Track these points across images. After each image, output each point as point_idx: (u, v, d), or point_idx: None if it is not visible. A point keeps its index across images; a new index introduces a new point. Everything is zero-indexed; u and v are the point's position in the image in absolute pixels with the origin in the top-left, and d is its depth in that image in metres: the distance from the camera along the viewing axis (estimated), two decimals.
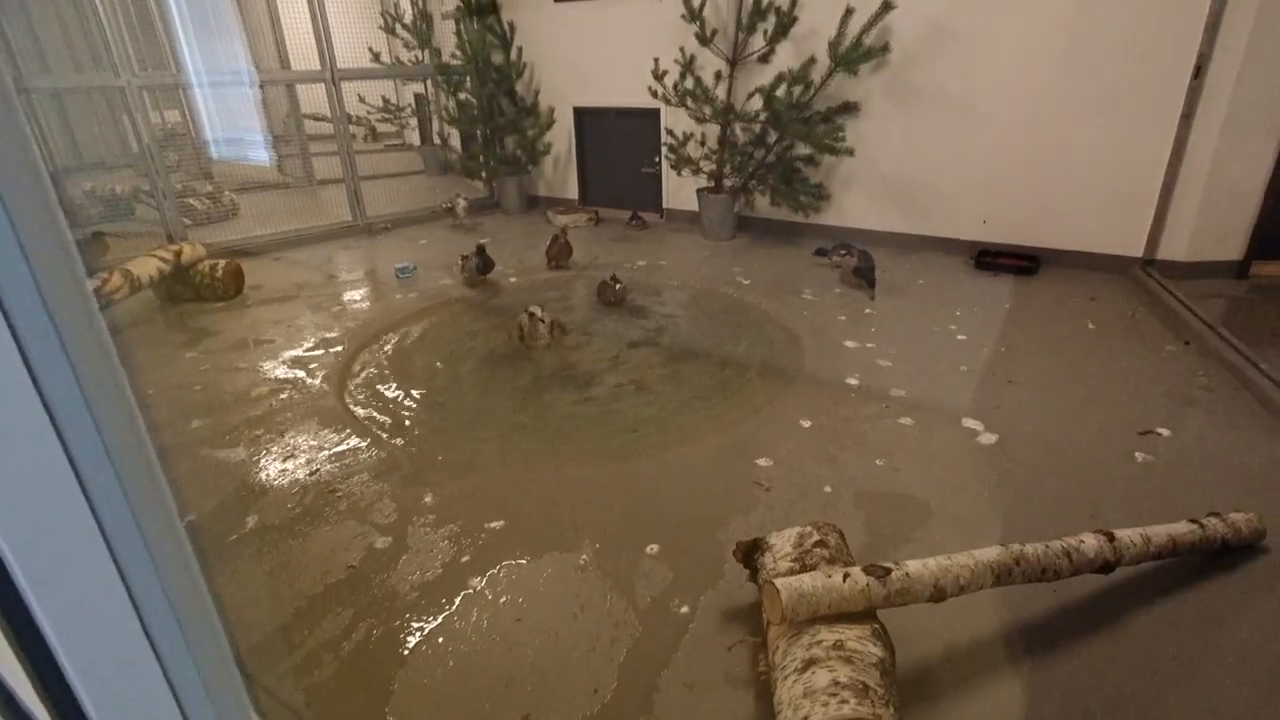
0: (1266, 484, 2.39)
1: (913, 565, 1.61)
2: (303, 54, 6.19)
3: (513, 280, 4.84)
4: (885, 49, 4.82)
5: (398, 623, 1.89)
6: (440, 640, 1.83)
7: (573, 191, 6.92)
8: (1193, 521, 2.01)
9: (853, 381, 3.22)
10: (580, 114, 6.58)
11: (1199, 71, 4.01)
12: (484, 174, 7.00)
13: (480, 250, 4.61)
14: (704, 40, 5.32)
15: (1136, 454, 2.59)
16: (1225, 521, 2.05)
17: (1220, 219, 4.19)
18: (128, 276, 3.88)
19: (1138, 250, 4.49)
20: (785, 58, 5.20)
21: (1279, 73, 3.84)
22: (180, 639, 0.57)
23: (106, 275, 3.75)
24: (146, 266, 4.08)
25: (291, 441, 2.82)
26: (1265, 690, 1.63)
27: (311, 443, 2.81)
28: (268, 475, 2.60)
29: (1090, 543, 1.81)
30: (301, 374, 3.42)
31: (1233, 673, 1.68)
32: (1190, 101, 4.08)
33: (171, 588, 0.54)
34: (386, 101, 9.49)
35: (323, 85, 5.82)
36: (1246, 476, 2.44)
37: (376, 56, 8.47)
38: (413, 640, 1.84)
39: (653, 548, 2.15)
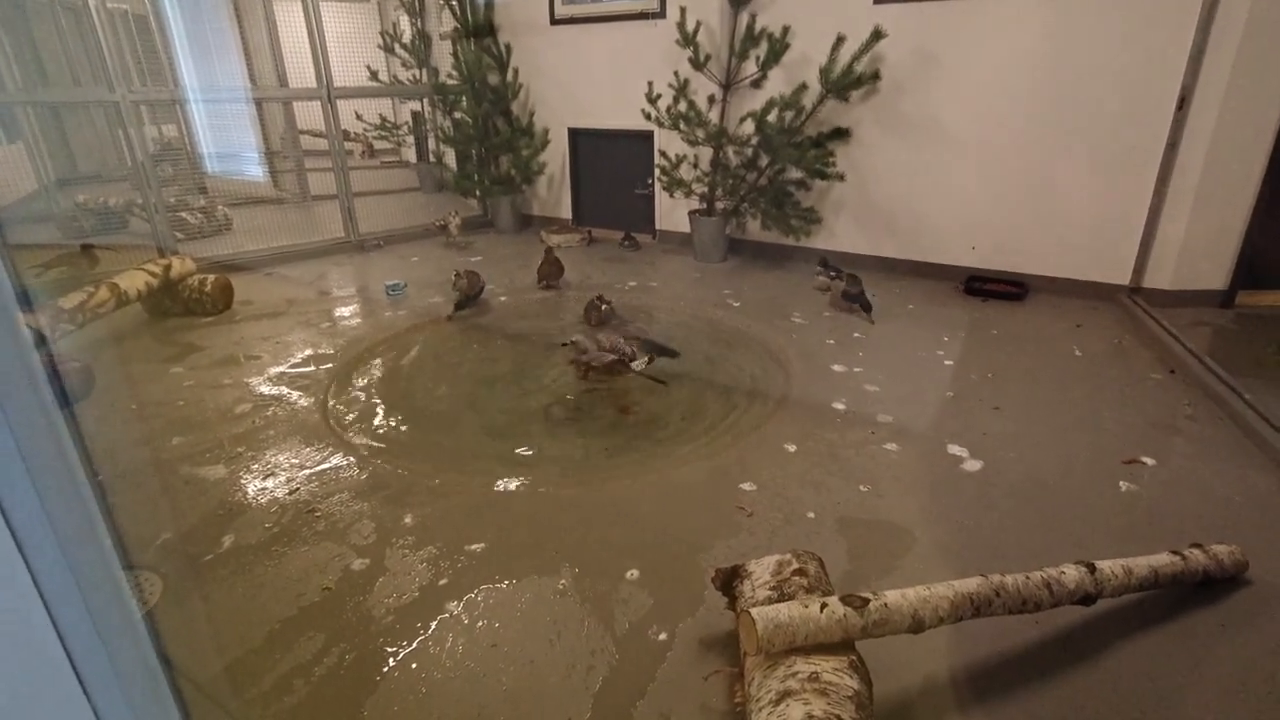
0: (1249, 515, 2.39)
1: (891, 595, 1.60)
2: (301, 72, 6.23)
3: (503, 299, 4.84)
4: (876, 76, 4.88)
5: (371, 648, 1.86)
6: (414, 666, 1.80)
7: (566, 211, 6.95)
8: (1175, 553, 2.00)
9: (839, 406, 3.22)
10: (575, 135, 6.63)
11: (1183, 103, 4.07)
12: (478, 192, 7.03)
13: (471, 273, 4.64)
14: (697, 65, 5.38)
15: (1121, 483, 2.58)
16: (1208, 553, 2.04)
17: (1205, 248, 4.22)
18: (115, 290, 3.85)
19: (1124, 278, 4.52)
20: (777, 83, 5.26)
21: (1261, 106, 3.90)
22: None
23: (93, 289, 3.73)
24: (135, 280, 4.07)
25: (273, 459, 2.80)
26: None
27: (293, 461, 2.79)
28: (247, 494, 2.57)
29: (1071, 574, 1.80)
30: (286, 391, 3.40)
31: (1214, 706, 1.66)
32: (1175, 132, 4.13)
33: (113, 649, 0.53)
34: (384, 119, 9.54)
35: (319, 102, 5.86)
36: (1230, 507, 2.43)
37: (375, 75, 8.53)
38: (386, 666, 1.80)
39: (633, 573, 2.13)
